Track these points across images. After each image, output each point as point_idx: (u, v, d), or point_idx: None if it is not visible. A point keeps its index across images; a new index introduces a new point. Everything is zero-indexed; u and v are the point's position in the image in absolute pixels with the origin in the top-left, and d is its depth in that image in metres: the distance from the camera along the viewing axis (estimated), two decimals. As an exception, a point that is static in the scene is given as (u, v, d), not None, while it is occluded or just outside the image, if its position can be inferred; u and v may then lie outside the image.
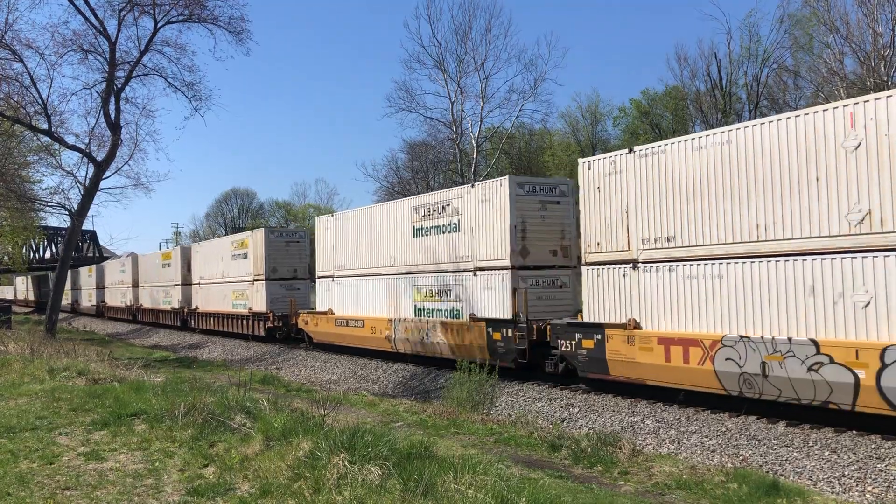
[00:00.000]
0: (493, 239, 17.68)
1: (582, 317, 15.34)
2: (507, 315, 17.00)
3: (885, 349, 9.94)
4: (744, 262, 11.90)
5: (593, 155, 16.32)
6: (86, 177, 31.07)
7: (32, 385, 13.87)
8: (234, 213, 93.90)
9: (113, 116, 28.93)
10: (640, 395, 14.23)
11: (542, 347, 16.19)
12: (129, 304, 48.77)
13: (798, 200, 11.17)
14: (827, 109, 10.92)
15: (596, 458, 9.40)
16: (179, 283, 39.23)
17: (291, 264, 30.02)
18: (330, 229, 25.59)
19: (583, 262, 15.10)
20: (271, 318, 28.83)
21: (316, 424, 8.60)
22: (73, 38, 28.10)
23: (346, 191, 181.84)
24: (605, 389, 14.80)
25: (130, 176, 37.91)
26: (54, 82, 59.59)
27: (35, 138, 31.35)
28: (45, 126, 28.82)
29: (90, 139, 30.39)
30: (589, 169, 14.97)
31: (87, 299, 61.36)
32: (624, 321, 13.98)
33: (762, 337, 11.53)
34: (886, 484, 9.26)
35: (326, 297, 25.60)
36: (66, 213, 31.86)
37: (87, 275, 61.40)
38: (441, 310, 19.44)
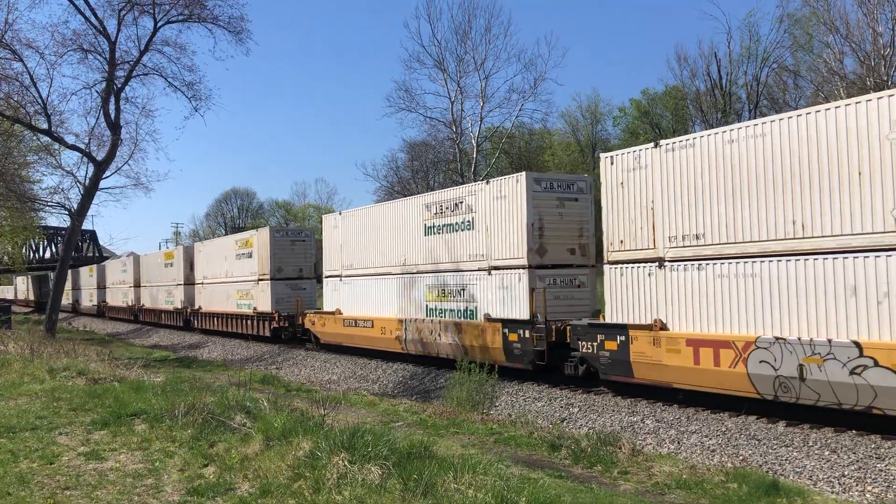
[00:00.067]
0: (509, 237, 17.19)
1: (603, 317, 14.90)
2: (524, 315, 16.56)
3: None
4: (779, 261, 11.41)
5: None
6: (86, 176, 31.14)
7: (32, 385, 13.87)
8: (234, 213, 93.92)
9: (113, 116, 28.94)
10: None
11: (561, 349, 15.75)
12: (130, 303, 48.58)
13: (839, 196, 10.66)
14: (871, 100, 10.40)
15: (596, 457, 9.40)
16: (182, 282, 38.91)
17: (297, 263, 29.63)
18: (337, 228, 25.14)
19: (605, 260, 14.58)
20: (277, 319, 28.42)
21: (316, 424, 8.60)
22: (72, 38, 28.16)
23: (346, 191, 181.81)
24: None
25: (130, 176, 37.86)
26: (54, 82, 59.73)
27: (35, 138, 31.38)
28: (44, 126, 28.85)
29: (90, 139, 30.46)
30: (612, 164, 14.45)
31: (88, 299, 61.23)
32: (649, 322, 13.50)
33: (799, 338, 11.03)
34: (886, 484, 9.26)
35: (334, 296, 25.13)
36: (66, 212, 31.92)
37: (87, 274, 61.26)
38: (454, 310, 18.98)
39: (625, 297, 14.10)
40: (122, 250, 72.25)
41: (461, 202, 18.91)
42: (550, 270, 16.86)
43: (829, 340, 10.67)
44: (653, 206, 13.54)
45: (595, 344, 14.53)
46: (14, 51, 27.10)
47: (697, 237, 12.72)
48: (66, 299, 64.36)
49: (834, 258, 10.73)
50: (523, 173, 17.15)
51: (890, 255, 10.11)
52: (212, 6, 29.09)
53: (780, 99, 41.69)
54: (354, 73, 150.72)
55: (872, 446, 10.21)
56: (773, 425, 11.65)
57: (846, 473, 9.72)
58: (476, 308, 18.20)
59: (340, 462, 6.94)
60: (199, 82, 33.44)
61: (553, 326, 15.80)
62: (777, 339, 11.32)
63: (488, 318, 17.62)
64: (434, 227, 19.92)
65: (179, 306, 39.09)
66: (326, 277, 25.76)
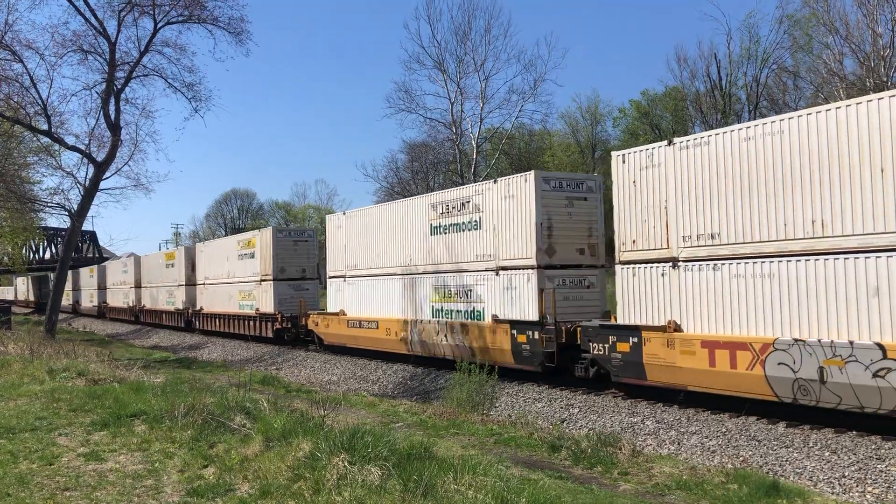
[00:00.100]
0: (518, 237, 16.96)
1: (615, 318, 14.65)
2: (533, 316, 16.34)
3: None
4: (798, 260, 11.16)
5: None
6: (86, 177, 31.12)
7: (32, 386, 13.87)
8: (234, 214, 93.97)
9: (113, 117, 28.94)
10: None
11: (571, 350, 15.53)
12: (131, 304, 48.46)
13: (860, 194, 10.40)
14: (893, 95, 10.19)
15: (596, 458, 9.39)
16: (184, 283, 38.73)
17: (300, 264, 29.37)
18: (341, 228, 24.89)
19: (616, 260, 14.30)
20: (280, 320, 28.21)
21: (316, 425, 8.60)
22: (72, 39, 28.16)
23: (345, 191, 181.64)
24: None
25: (130, 176, 38.00)
26: (54, 83, 59.67)
27: (35, 139, 31.38)
28: (44, 127, 28.84)
29: (90, 140, 30.45)
30: (623, 162, 14.20)
31: (89, 300, 61.13)
32: (663, 323, 13.25)
33: (820, 340, 10.78)
34: (886, 484, 9.26)
35: (338, 297, 24.84)
36: (66, 213, 31.89)
37: (88, 275, 61.19)
38: (461, 311, 18.72)
39: (637, 298, 13.86)
40: (122, 251, 72.30)
41: (468, 202, 18.69)
42: (559, 271, 16.63)
43: (851, 342, 10.43)
44: (666, 205, 13.30)
45: (607, 346, 14.30)
46: (14, 52, 27.11)
47: (713, 237, 12.49)
48: (67, 300, 64.33)
49: (855, 258, 10.48)
50: (532, 172, 16.89)
51: None
52: (212, 7, 29.12)
53: (780, 100, 41.72)
54: (354, 75, 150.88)
55: (873, 447, 10.20)
56: (773, 426, 11.64)
57: (846, 474, 9.72)
58: (483, 309, 17.95)
59: (340, 463, 6.93)
60: (199, 83, 33.25)
61: (563, 328, 15.56)
62: (796, 340, 11.07)
63: (496, 320, 17.39)
64: (440, 226, 19.69)
65: (181, 307, 38.95)
66: (330, 278, 25.45)
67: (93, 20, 28.05)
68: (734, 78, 43.57)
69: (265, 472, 7.30)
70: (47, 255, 64.05)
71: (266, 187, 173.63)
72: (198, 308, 36.99)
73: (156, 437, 9.33)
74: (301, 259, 29.46)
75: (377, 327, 22.07)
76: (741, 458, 10.90)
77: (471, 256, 18.47)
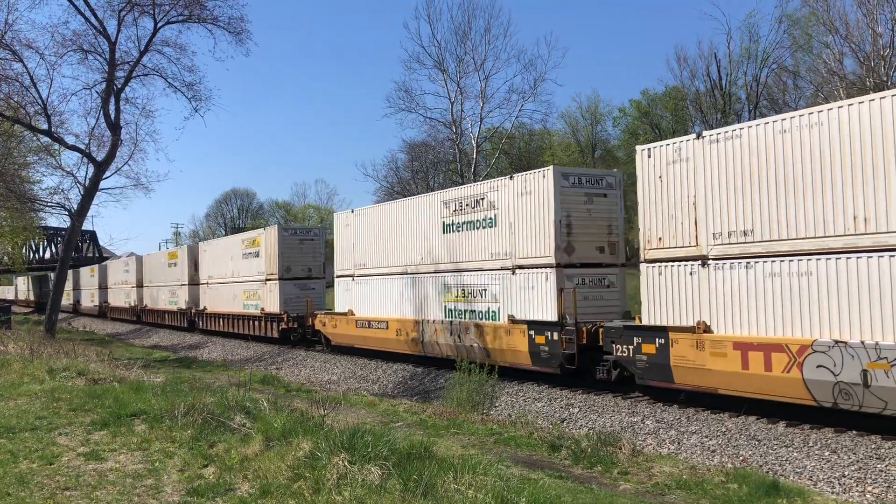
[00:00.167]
0: (535, 234, 16.45)
1: (639, 319, 14.16)
2: (552, 317, 15.81)
3: None
4: (838, 258, 10.67)
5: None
6: (85, 177, 31.15)
7: (32, 385, 13.87)
8: (234, 214, 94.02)
9: (113, 117, 28.95)
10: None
11: (591, 352, 15.08)
12: (133, 304, 48.19)
13: None
14: None
15: (596, 458, 9.39)
16: (186, 282, 38.35)
17: (306, 263, 28.89)
18: (349, 226, 24.39)
19: (641, 258, 13.84)
20: (285, 320, 27.76)
21: (316, 425, 8.60)
22: (72, 39, 28.20)
23: (345, 191, 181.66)
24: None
25: (130, 176, 38.07)
26: (54, 82, 59.76)
27: (35, 138, 31.40)
28: (44, 126, 28.86)
29: (90, 139, 30.47)
30: (649, 157, 13.67)
31: (90, 299, 60.97)
32: (692, 324, 12.73)
33: (863, 342, 10.26)
34: (886, 484, 9.26)
35: (346, 297, 24.36)
36: (66, 213, 31.92)
37: (89, 275, 61.06)
38: (475, 311, 18.24)
39: (664, 298, 13.36)
40: (122, 251, 72.37)
41: (482, 198, 18.20)
42: (579, 269, 16.14)
43: None
44: (695, 201, 12.82)
45: (631, 347, 13.80)
46: (14, 51, 27.13)
47: (745, 233, 11.96)
48: (67, 300, 64.27)
49: None
50: (550, 167, 16.47)
51: None
52: (212, 7, 29.16)
53: (780, 100, 41.70)
54: (354, 74, 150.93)
55: (872, 447, 10.21)
56: (773, 426, 11.64)
57: (846, 474, 9.72)
58: (499, 309, 17.48)
59: (340, 462, 6.93)
60: (199, 83, 33.38)
61: (583, 328, 15.10)
62: (837, 342, 10.56)
63: (512, 320, 16.90)
64: (453, 224, 19.20)
65: (184, 307, 38.60)
66: (338, 277, 25.01)
67: (93, 20, 28.12)
68: (734, 77, 43.57)
69: (265, 472, 7.30)
70: (47, 255, 64.11)
71: (266, 187, 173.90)
72: (201, 308, 36.64)
73: (156, 436, 9.33)
74: (307, 258, 29.03)
75: (387, 327, 21.64)
76: (741, 458, 10.90)
77: (485, 255, 18.01)
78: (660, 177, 13.47)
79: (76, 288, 65.56)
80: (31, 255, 59.86)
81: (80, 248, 63.33)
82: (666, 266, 13.34)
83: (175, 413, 9.87)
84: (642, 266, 13.75)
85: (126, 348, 34.04)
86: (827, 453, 10.35)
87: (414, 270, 20.79)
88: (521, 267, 16.92)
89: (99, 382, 13.71)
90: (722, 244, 12.37)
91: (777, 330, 11.44)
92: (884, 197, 10.24)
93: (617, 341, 14.19)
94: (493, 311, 17.71)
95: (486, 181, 18.96)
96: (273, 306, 28.72)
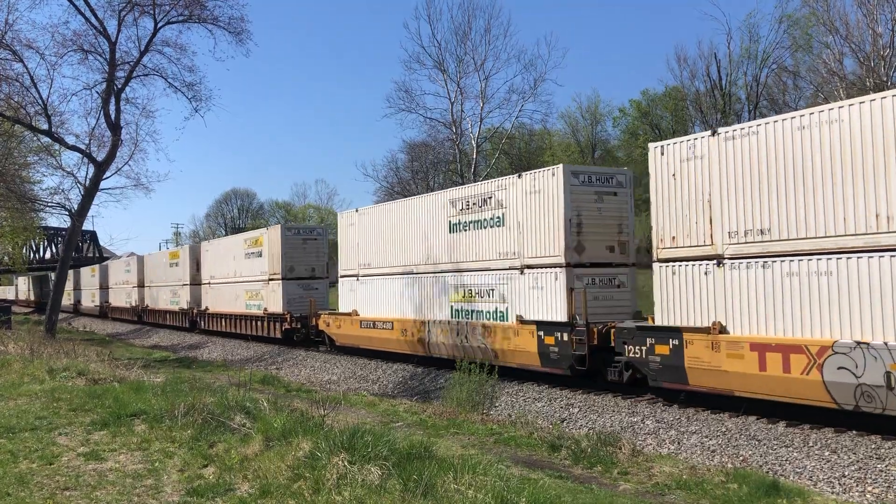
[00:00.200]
0: (544, 234, 16.18)
1: (652, 319, 13.88)
2: (562, 317, 15.55)
3: None
4: (859, 257, 10.40)
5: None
6: (86, 177, 31.15)
7: (32, 385, 13.88)
8: (234, 214, 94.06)
9: (113, 117, 28.96)
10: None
11: (602, 353, 14.82)
12: (134, 304, 47.97)
13: None
14: None
15: (596, 458, 9.40)
16: (188, 282, 38.10)
17: (309, 263, 28.56)
18: (354, 225, 24.09)
19: (654, 258, 13.58)
20: (289, 320, 27.44)
21: (316, 425, 8.61)
22: (73, 39, 28.21)
23: (346, 191, 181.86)
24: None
25: (130, 176, 37.92)
26: (54, 83, 59.58)
27: (35, 139, 31.41)
28: (45, 126, 28.87)
29: (90, 139, 30.48)
30: (662, 154, 13.41)
31: (90, 300, 60.85)
32: (707, 324, 12.45)
33: (886, 343, 9.98)
34: (886, 484, 9.26)
35: (350, 297, 24.03)
36: (67, 213, 31.94)
37: (89, 275, 60.98)
38: (482, 311, 17.97)
39: (677, 298, 13.09)
40: (123, 251, 72.36)
41: (490, 197, 17.95)
42: (589, 269, 15.87)
43: None
44: (710, 199, 12.53)
45: (644, 348, 13.54)
46: (14, 51, 27.14)
47: (762, 232, 11.68)
48: (68, 300, 64.24)
49: None
50: (560, 166, 16.25)
51: None
52: (212, 7, 29.16)
53: (780, 100, 41.71)
54: (354, 74, 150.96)
55: (872, 447, 10.21)
56: (773, 426, 11.64)
57: (846, 474, 9.72)
58: (507, 309, 17.21)
59: (340, 462, 6.94)
60: (199, 83, 33.33)
61: (594, 329, 14.83)
62: (858, 343, 10.28)
63: (521, 320, 16.62)
64: (460, 223, 18.95)
65: (185, 307, 38.37)
66: (342, 277, 24.65)
67: (93, 20, 28.13)
68: (734, 78, 43.58)
69: (265, 472, 7.31)
70: (47, 255, 64.17)
71: (266, 187, 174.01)
72: (203, 308, 36.38)
73: (156, 436, 9.33)
74: (310, 258, 28.76)
75: (392, 328, 21.41)
76: (741, 458, 10.90)
77: (493, 254, 17.75)
78: (673, 174, 13.22)
79: (77, 288, 65.53)
80: (32, 255, 59.91)
81: (80, 248, 63.37)
82: (679, 265, 13.11)
83: (175, 413, 9.88)
84: (655, 266, 13.51)
85: (126, 348, 34.05)
86: (827, 453, 10.35)
87: (419, 270, 20.55)
88: (529, 267, 16.69)
89: (99, 382, 13.72)
90: (738, 243, 12.09)
91: (796, 331, 11.17)
92: None
93: (629, 342, 13.95)
94: (500, 312, 17.45)
95: (493, 180, 18.69)
96: (276, 306, 28.48)
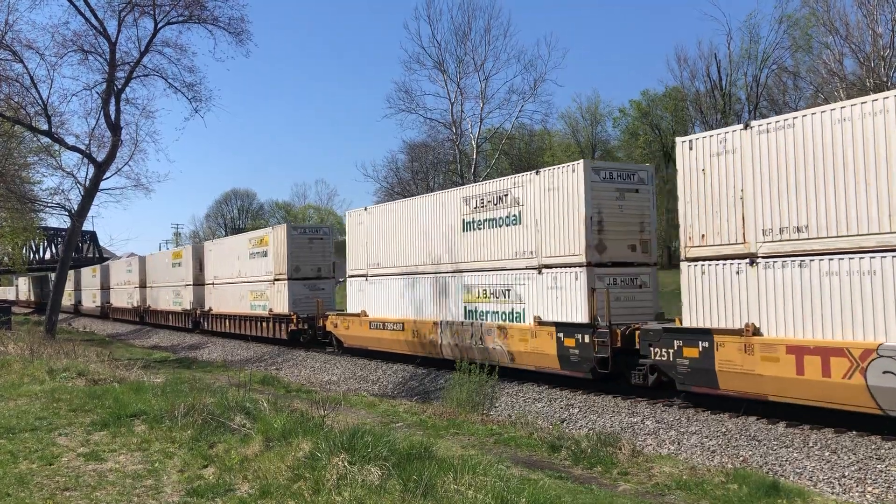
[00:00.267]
0: (564, 232, 15.74)
1: (679, 321, 13.43)
2: (583, 318, 15.13)
3: None
4: None
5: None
6: (86, 177, 31.14)
7: (32, 386, 13.88)
8: (234, 214, 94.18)
9: (113, 117, 28.96)
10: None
11: (625, 356, 14.36)
12: (135, 305, 47.70)
13: None
14: None
15: (596, 458, 9.40)
16: (191, 283, 37.80)
17: (315, 263, 28.18)
18: (362, 224, 23.62)
19: (682, 257, 13.16)
20: (295, 321, 27.00)
21: (316, 425, 8.61)
22: (73, 39, 28.20)
23: (346, 191, 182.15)
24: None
25: (130, 176, 37.89)
26: (54, 83, 59.62)
27: (35, 139, 31.42)
28: (45, 127, 28.88)
29: (90, 140, 30.48)
30: (690, 149, 12.93)
31: (91, 300, 60.62)
32: (739, 326, 11.95)
33: None
34: (886, 484, 9.26)
35: (359, 297, 23.59)
36: (66, 213, 31.92)
37: (90, 275, 60.79)
38: (498, 312, 17.54)
39: (707, 299, 12.58)
40: (123, 251, 72.36)
41: (506, 195, 17.47)
42: (610, 269, 15.43)
43: None
44: (742, 196, 12.03)
45: (671, 351, 13.03)
46: (14, 52, 27.14)
47: (799, 230, 11.18)
48: (69, 300, 64.18)
49: None
50: (581, 162, 15.70)
51: None
52: (212, 7, 29.13)
53: (780, 100, 41.74)
54: (355, 75, 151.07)
55: (872, 447, 10.20)
56: (773, 426, 11.64)
57: (846, 474, 9.72)
58: (524, 310, 16.75)
59: (340, 463, 6.94)
60: (199, 83, 33.27)
61: (617, 331, 14.33)
62: None
63: (539, 322, 16.13)
64: (474, 222, 18.49)
65: (188, 307, 38.03)
66: (350, 277, 24.24)
67: (93, 20, 28.12)
68: (734, 78, 43.66)
69: (265, 472, 7.31)
70: (47, 256, 64.09)
71: (266, 187, 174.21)
72: (206, 308, 36.06)
73: (156, 437, 9.33)
74: (316, 257, 28.39)
75: (403, 329, 20.97)
76: (741, 458, 10.90)
77: (509, 253, 17.30)
78: (703, 170, 12.72)
79: (77, 288, 65.43)
80: (32, 255, 59.83)
81: (80, 248, 63.29)
82: (709, 265, 12.60)
83: (175, 413, 9.88)
84: (683, 265, 13.12)
85: (126, 349, 34.04)
86: (827, 453, 10.35)
87: (431, 270, 20.15)
88: (547, 266, 16.21)
89: (99, 383, 13.71)
90: (773, 241, 11.58)
91: (836, 333, 10.67)
92: None
93: (655, 344, 13.45)
94: (517, 313, 17.01)
95: (509, 177, 18.26)
96: (282, 307, 28.13)
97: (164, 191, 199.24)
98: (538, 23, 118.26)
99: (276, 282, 28.85)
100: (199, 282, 37.56)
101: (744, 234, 12.03)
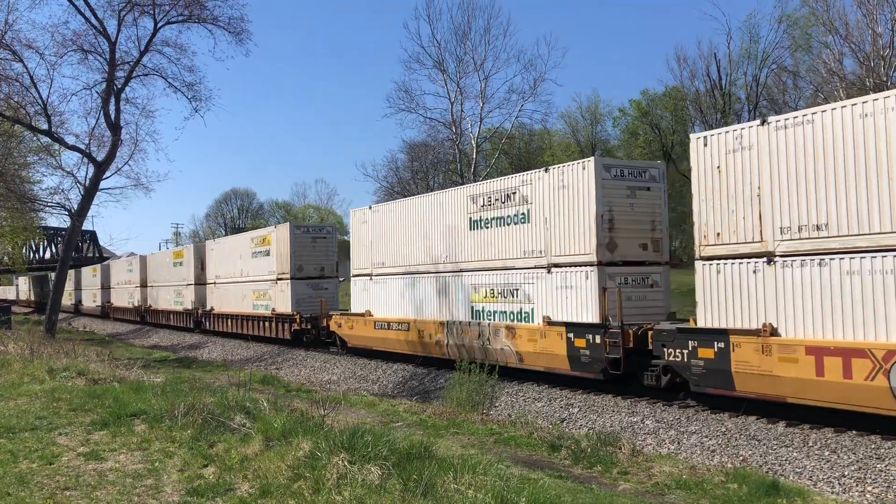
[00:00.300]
0: (574, 231, 15.52)
1: (693, 321, 13.20)
2: (593, 318, 14.94)
3: None
4: None
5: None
6: (86, 177, 31.14)
7: (32, 385, 13.88)
8: (234, 214, 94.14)
9: (113, 117, 28.97)
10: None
11: (637, 356, 14.17)
12: (136, 304, 47.55)
13: None
14: None
15: (596, 458, 9.40)
16: (193, 282, 37.63)
17: (318, 262, 28.01)
18: (367, 223, 23.39)
19: (696, 256, 12.90)
20: (298, 320, 26.84)
21: (316, 425, 8.61)
22: (73, 39, 28.20)
23: (345, 191, 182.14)
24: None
25: (130, 176, 38.00)
26: (54, 82, 59.83)
27: (35, 138, 31.41)
28: (45, 126, 28.87)
29: (90, 139, 30.47)
30: (705, 145, 12.70)
31: (92, 300, 60.53)
32: (756, 326, 11.72)
33: None
34: (886, 484, 9.26)
35: (363, 297, 23.36)
36: (66, 213, 31.92)
37: (90, 274, 60.70)
38: (505, 312, 17.32)
39: (723, 298, 12.36)
40: (122, 251, 72.34)
41: (514, 193, 17.24)
42: (621, 268, 15.22)
43: None
44: (759, 193, 11.78)
45: (686, 352, 12.83)
46: (14, 51, 27.14)
47: (818, 228, 10.95)
48: (70, 300, 64.13)
49: None
50: (591, 159, 15.48)
51: None
52: (212, 7, 29.14)
53: (780, 100, 41.74)
54: (354, 74, 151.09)
55: (872, 447, 10.21)
56: (772, 426, 11.64)
57: (846, 474, 9.73)
58: (532, 310, 16.52)
59: (340, 462, 6.94)
60: (199, 83, 33.36)
61: (629, 331, 14.14)
62: None
63: (548, 322, 15.89)
64: (481, 220, 18.27)
65: (190, 307, 37.86)
66: (354, 276, 23.95)
67: (93, 20, 28.12)
68: (734, 78, 43.65)
69: (265, 472, 7.31)
70: (47, 255, 64.06)
71: (266, 187, 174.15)
72: (208, 308, 35.89)
73: (156, 436, 9.34)
74: (320, 256, 28.22)
75: (408, 329, 20.75)
76: (741, 458, 10.90)
77: (517, 252, 17.06)
78: (718, 167, 12.50)
79: (78, 288, 65.37)
80: (32, 255, 59.80)
81: (80, 248, 63.25)
82: (725, 263, 12.36)
83: (175, 413, 9.88)
84: (697, 264, 12.87)
85: (126, 348, 34.05)
86: (827, 453, 10.35)
87: (437, 269, 19.93)
88: (557, 265, 15.99)
89: (99, 382, 13.72)
90: (791, 239, 11.35)
91: (857, 333, 10.44)
92: None
93: (669, 345, 13.24)
94: (525, 313, 16.78)
95: (517, 174, 17.92)
96: (285, 307, 27.96)
97: (163, 190, 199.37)
98: (538, 22, 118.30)
99: (278, 281, 28.69)
100: (200, 281, 37.40)
101: (761, 232, 11.80)
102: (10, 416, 10.86)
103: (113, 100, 28.93)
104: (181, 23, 29.22)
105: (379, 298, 22.65)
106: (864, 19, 30.88)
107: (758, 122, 12.03)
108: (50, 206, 33.49)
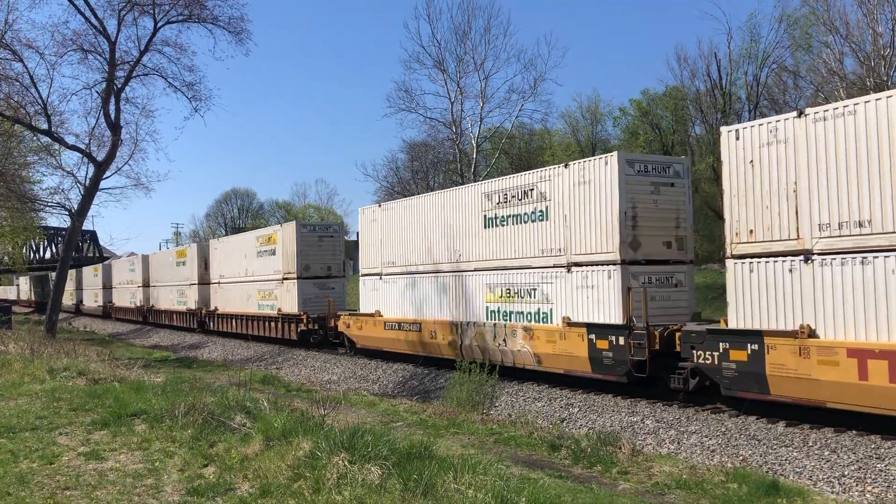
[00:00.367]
0: (596, 228, 15.09)
1: (724, 322, 12.81)
2: (616, 319, 14.47)
3: None
4: None
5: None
6: (86, 177, 31.18)
7: (32, 385, 13.89)
8: (234, 214, 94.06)
9: (113, 116, 28.99)
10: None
11: (663, 359, 13.71)
12: (139, 304, 47.27)
13: None
14: None
15: (596, 457, 9.41)
16: (196, 282, 37.30)
17: (325, 261, 27.68)
18: (376, 221, 22.98)
19: (727, 254, 12.48)
20: (305, 321, 26.40)
21: (316, 424, 8.62)
22: (72, 38, 28.24)
23: (346, 191, 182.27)
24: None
25: (130, 176, 38.00)
26: (54, 82, 59.91)
27: (35, 138, 31.44)
28: (45, 126, 28.90)
29: (90, 139, 30.51)
30: (737, 139, 12.20)
31: (93, 299, 60.36)
32: (792, 328, 11.25)
33: None
34: (886, 484, 9.26)
35: (372, 297, 23.00)
36: (67, 213, 31.96)
37: (92, 274, 60.50)
38: (522, 312, 16.85)
39: (756, 298, 11.86)
40: (123, 250, 72.37)
41: (532, 189, 16.74)
42: (645, 267, 14.75)
43: None
44: (796, 189, 11.30)
45: (716, 354, 12.34)
46: (14, 51, 27.18)
47: (860, 224, 10.49)
48: (70, 300, 64.06)
49: None
50: (615, 154, 15.10)
51: None
52: (212, 6, 29.18)
53: (780, 99, 41.72)
54: (354, 74, 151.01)
55: (872, 446, 10.21)
56: (772, 425, 11.65)
57: (846, 473, 9.73)
58: (551, 310, 16.06)
59: (340, 462, 6.94)
60: (199, 82, 33.42)
61: (655, 332, 13.61)
62: None
63: (568, 322, 15.41)
64: (496, 218, 17.81)
65: (193, 307, 37.51)
66: (364, 276, 23.67)
67: (93, 19, 28.16)
68: (734, 77, 43.57)
69: (265, 472, 7.31)
70: (48, 255, 64.03)
71: (266, 187, 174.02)
72: (212, 308, 35.58)
73: (156, 436, 9.34)
74: (326, 256, 27.89)
75: (420, 330, 20.30)
76: (741, 458, 10.90)
77: (535, 251, 16.59)
78: (751, 161, 11.99)
79: (79, 288, 65.25)
80: (32, 255, 59.79)
81: (80, 247, 63.19)
82: (759, 262, 11.88)
83: (175, 413, 9.89)
84: (729, 262, 12.44)
85: (127, 348, 34.06)
86: (827, 453, 10.36)
87: (451, 269, 19.48)
88: (577, 264, 15.53)
89: (99, 382, 13.73)
90: (830, 237, 10.88)
91: None
92: None
93: (697, 347, 12.73)
94: (544, 313, 16.31)
95: (535, 170, 17.40)
96: (291, 307, 27.58)
97: (163, 190, 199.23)
98: (538, 22, 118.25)
99: (284, 281, 28.33)
100: (204, 281, 37.06)
101: (797, 229, 11.34)
102: (11, 415, 10.87)
103: (113, 99, 28.95)
104: (181, 22, 29.30)
105: (389, 298, 22.26)
106: (865, 19, 30.86)
107: (794, 114, 11.61)
108: (50, 206, 33.59)
